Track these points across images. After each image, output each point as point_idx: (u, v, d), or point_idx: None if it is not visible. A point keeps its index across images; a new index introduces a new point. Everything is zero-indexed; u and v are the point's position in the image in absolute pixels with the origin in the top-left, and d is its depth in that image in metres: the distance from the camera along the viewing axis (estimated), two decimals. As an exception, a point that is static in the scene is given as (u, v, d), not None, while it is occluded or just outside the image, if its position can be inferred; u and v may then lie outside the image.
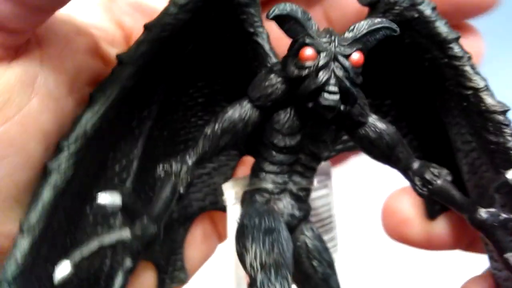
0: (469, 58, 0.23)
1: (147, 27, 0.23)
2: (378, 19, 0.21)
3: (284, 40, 0.22)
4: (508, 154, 0.22)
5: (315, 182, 0.26)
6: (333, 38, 0.21)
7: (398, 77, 0.27)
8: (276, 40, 0.25)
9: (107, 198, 0.19)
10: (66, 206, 0.22)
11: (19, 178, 0.21)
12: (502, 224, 0.21)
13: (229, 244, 0.26)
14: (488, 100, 0.23)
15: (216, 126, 0.23)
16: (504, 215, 0.21)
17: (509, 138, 0.22)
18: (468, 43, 0.24)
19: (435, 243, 0.30)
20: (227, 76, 0.28)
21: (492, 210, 0.22)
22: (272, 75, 0.23)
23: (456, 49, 0.23)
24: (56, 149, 0.21)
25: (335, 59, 0.20)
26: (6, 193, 0.21)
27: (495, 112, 0.23)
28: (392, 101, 0.29)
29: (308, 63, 0.20)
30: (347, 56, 0.21)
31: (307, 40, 0.21)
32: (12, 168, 0.20)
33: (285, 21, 0.21)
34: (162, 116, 0.27)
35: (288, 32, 0.21)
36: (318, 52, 0.20)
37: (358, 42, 0.21)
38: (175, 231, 0.30)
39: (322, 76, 0.20)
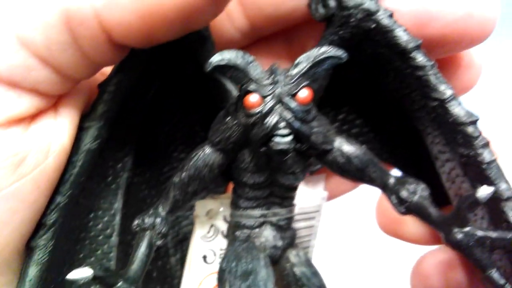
0: (433, 66, 0.22)
1: (101, 87, 0.23)
2: (322, 49, 0.20)
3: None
4: (480, 167, 0.21)
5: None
6: (277, 78, 0.20)
7: (369, 88, 0.26)
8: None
9: (76, 274, 0.19)
10: (52, 278, 0.23)
11: (25, 231, 0.22)
12: (478, 242, 0.20)
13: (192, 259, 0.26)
14: (455, 111, 0.21)
15: (183, 175, 0.23)
16: (479, 234, 0.20)
17: (479, 150, 0.21)
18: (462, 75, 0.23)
19: (429, 239, 0.30)
20: (200, 107, 0.28)
21: (467, 229, 0.21)
22: (228, 118, 0.22)
23: (418, 58, 0.22)
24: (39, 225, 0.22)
25: (281, 101, 0.20)
26: (13, 245, 0.22)
27: (463, 123, 0.21)
28: (365, 113, 0.28)
29: (254, 110, 0.20)
30: (293, 95, 0.20)
31: (250, 87, 0.20)
32: (21, 222, 0.21)
33: (225, 70, 0.20)
34: (140, 160, 0.27)
35: (231, 79, 0.20)
36: (263, 97, 0.20)
37: (305, 77, 0.20)
38: (172, 267, 0.30)
39: (269, 121, 0.20)
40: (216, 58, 0.20)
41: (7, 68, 0.19)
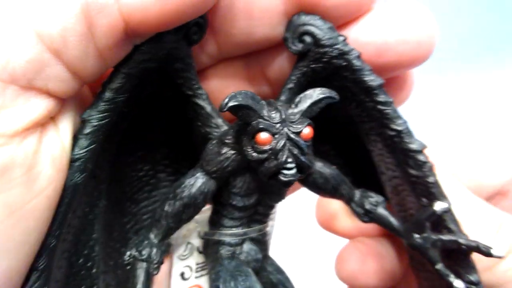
0: (391, 103, 0.26)
1: (84, 119, 0.22)
2: (318, 91, 0.23)
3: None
4: (428, 186, 0.26)
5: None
6: (283, 116, 0.22)
7: (331, 114, 0.29)
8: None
9: None
10: None
11: (35, 253, 0.20)
12: (432, 244, 0.26)
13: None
14: (409, 140, 0.26)
15: (177, 203, 0.24)
16: (433, 237, 0.26)
17: (428, 173, 0.26)
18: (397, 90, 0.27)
19: (357, 233, 0.36)
20: (168, 139, 0.29)
21: (425, 235, 0.26)
22: (226, 149, 0.23)
23: (381, 95, 0.26)
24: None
25: (289, 139, 0.22)
26: (24, 269, 0.20)
27: (415, 151, 0.26)
28: (327, 135, 0.31)
29: (266, 147, 0.21)
30: (299, 133, 0.22)
31: (261, 125, 0.21)
32: (35, 243, 0.20)
33: (238, 110, 0.21)
34: (115, 188, 0.27)
35: (241, 117, 0.22)
36: (273, 134, 0.22)
37: (305, 115, 0.22)
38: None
39: (281, 158, 0.21)
40: (232, 100, 0.21)
41: (23, 64, 0.18)
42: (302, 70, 0.26)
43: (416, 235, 0.26)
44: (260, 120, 0.22)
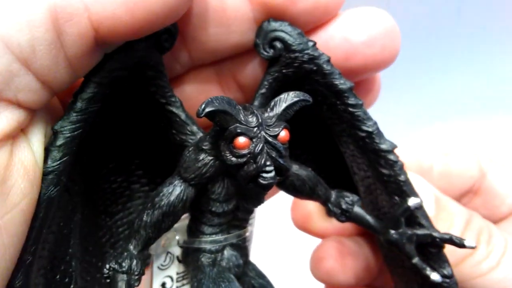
0: (362, 105, 0.27)
1: (55, 131, 0.22)
2: (291, 94, 0.23)
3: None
4: (399, 184, 0.27)
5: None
6: (260, 120, 0.22)
7: (302, 118, 0.30)
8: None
9: None
10: None
11: (10, 270, 0.20)
12: (409, 239, 0.27)
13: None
14: (380, 141, 0.27)
15: (156, 212, 0.23)
16: (409, 232, 0.27)
17: (399, 172, 0.27)
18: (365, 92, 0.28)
19: (331, 232, 0.37)
20: (145, 146, 0.29)
21: (400, 230, 0.27)
22: (203, 155, 0.23)
23: (351, 98, 0.26)
24: None
25: (267, 142, 0.22)
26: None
27: (386, 151, 0.27)
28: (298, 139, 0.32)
29: (244, 151, 0.22)
30: (276, 136, 0.22)
31: (239, 129, 0.22)
32: (10, 259, 0.20)
33: (215, 115, 0.21)
34: (90, 198, 0.27)
35: (219, 122, 0.22)
36: (251, 138, 0.22)
37: (281, 118, 0.23)
38: None
39: (260, 161, 0.22)
40: (209, 106, 0.21)
41: None
42: (273, 75, 0.26)
43: (392, 231, 0.27)
44: (238, 124, 0.22)
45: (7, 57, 0.18)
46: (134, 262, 0.23)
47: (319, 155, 0.32)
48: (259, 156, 0.22)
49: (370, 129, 0.26)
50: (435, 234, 0.26)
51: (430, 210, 0.29)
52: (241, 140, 0.22)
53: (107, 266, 0.23)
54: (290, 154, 0.31)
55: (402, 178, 0.26)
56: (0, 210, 0.18)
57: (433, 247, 0.27)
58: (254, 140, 0.22)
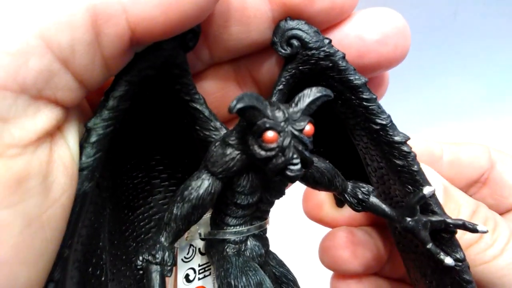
0: (375, 99, 0.28)
1: (89, 128, 0.22)
2: (314, 89, 0.24)
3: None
4: (413, 174, 0.28)
5: None
6: (286, 115, 0.23)
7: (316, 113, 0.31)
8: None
9: None
10: None
11: (52, 264, 0.20)
12: (423, 225, 0.28)
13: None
14: (394, 133, 0.28)
15: (186, 206, 0.24)
16: (423, 219, 0.28)
17: (411, 162, 0.28)
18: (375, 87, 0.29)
19: (339, 224, 0.39)
20: (166, 142, 0.30)
21: (416, 218, 0.28)
22: (230, 150, 0.24)
23: (365, 93, 0.28)
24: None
25: (294, 136, 0.23)
26: (42, 282, 0.20)
27: (400, 143, 0.28)
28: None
29: (273, 145, 0.23)
30: (301, 130, 0.23)
31: (267, 124, 0.22)
32: (52, 252, 0.20)
33: (245, 111, 0.22)
34: (117, 193, 0.28)
35: (248, 118, 0.23)
36: (278, 133, 0.23)
37: (305, 112, 0.24)
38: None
39: (288, 154, 0.22)
40: (240, 102, 0.22)
41: (33, 74, 0.18)
42: (290, 72, 0.28)
43: (409, 219, 0.28)
44: (266, 119, 0.23)
45: (48, 57, 0.19)
46: (167, 253, 0.24)
47: (331, 148, 0.33)
48: (287, 150, 0.23)
49: (384, 122, 0.28)
50: (448, 220, 0.27)
51: (438, 199, 0.30)
52: (270, 134, 0.22)
53: (141, 258, 0.24)
54: None
55: (415, 168, 0.28)
56: (43, 205, 0.19)
57: (446, 233, 0.28)
58: (281, 134, 0.23)
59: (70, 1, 0.19)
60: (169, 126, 0.29)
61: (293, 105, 0.24)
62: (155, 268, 0.24)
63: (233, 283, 0.25)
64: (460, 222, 0.27)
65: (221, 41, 0.27)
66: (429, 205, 0.28)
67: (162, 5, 0.20)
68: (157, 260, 0.24)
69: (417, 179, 0.28)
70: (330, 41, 0.27)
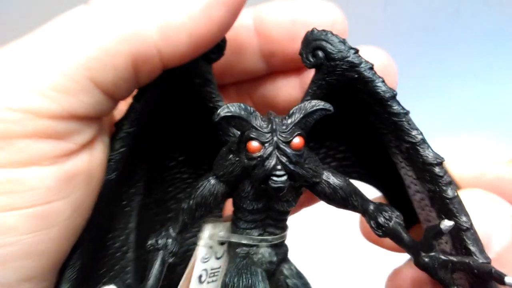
0: (406, 113, 0.26)
1: (117, 125, 0.26)
2: (312, 103, 0.24)
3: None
4: (445, 202, 0.25)
5: None
6: (274, 127, 0.23)
7: (355, 126, 0.30)
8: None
9: None
10: None
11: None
12: (442, 265, 0.24)
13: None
14: (425, 153, 0.25)
15: (191, 202, 0.26)
16: (442, 258, 0.24)
17: (444, 187, 0.25)
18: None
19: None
20: (202, 140, 0.32)
21: (432, 254, 0.24)
22: (231, 156, 0.25)
23: (394, 107, 0.26)
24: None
25: (278, 147, 0.23)
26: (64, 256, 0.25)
27: (431, 164, 0.25)
28: (349, 147, 0.32)
29: (255, 154, 0.23)
30: (288, 142, 0.23)
31: (252, 134, 0.23)
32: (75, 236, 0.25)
33: (230, 120, 0.24)
34: (151, 185, 0.31)
35: (235, 127, 0.24)
36: (263, 143, 0.23)
37: (297, 126, 0.24)
38: (177, 275, 0.33)
39: (268, 164, 0.23)
40: (224, 111, 0.23)
41: (84, 107, 0.23)
42: (317, 83, 0.27)
43: (423, 254, 0.25)
44: (252, 129, 0.23)
45: (95, 92, 0.23)
46: (170, 241, 0.26)
47: (375, 164, 0.32)
48: (267, 160, 0.23)
49: (413, 140, 0.25)
50: (473, 264, 0.23)
51: (504, 235, 0.25)
52: (253, 144, 0.23)
53: (149, 242, 0.26)
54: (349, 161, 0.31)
55: (448, 194, 0.25)
56: (87, 195, 0.24)
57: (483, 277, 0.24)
58: (266, 145, 0.23)
59: (114, 50, 0.22)
60: (198, 127, 0.31)
61: (287, 117, 0.24)
62: (157, 253, 0.26)
63: (226, 281, 0.26)
64: (487, 269, 0.23)
65: (217, 65, 0.29)
66: (463, 240, 0.24)
67: (192, 44, 0.23)
68: (159, 246, 0.26)
69: (449, 208, 0.24)
70: (357, 51, 0.26)
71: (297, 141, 0.23)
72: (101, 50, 0.22)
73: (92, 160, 0.24)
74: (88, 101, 0.22)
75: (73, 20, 0.23)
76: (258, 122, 0.24)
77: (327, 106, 0.24)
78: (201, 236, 0.29)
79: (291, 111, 0.24)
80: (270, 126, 0.24)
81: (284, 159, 0.23)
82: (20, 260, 0.22)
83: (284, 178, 0.23)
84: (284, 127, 0.24)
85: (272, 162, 0.23)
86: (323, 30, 0.26)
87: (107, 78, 0.22)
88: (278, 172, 0.23)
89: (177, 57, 0.24)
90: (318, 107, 0.24)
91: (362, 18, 0.34)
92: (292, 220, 0.30)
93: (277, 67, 0.32)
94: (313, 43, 0.27)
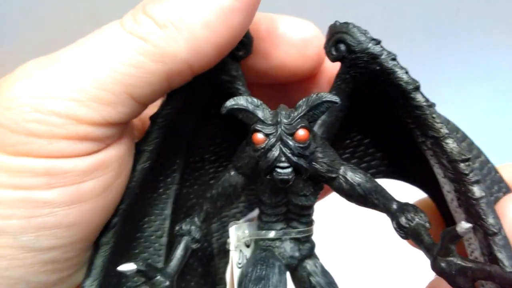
0: (430, 105, 0.24)
1: (152, 119, 0.28)
2: (319, 95, 0.24)
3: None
4: (470, 203, 0.22)
5: None
6: (279, 119, 0.24)
7: (387, 123, 0.29)
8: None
9: (124, 267, 0.24)
10: (112, 268, 0.27)
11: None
12: (460, 271, 0.21)
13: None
14: (449, 148, 0.23)
15: (214, 192, 0.27)
16: (460, 263, 0.21)
17: (469, 187, 0.22)
18: None
19: None
20: (237, 133, 0.32)
21: (449, 259, 0.22)
22: (247, 148, 0.26)
23: (417, 99, 0.24)
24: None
25: (281, 139, 0.23)
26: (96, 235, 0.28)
27: (455, 161, 0.23)
28: (383, 145, 0.31)
29: (260, 146, 0.24)
30: (292, 134, 0.23)
31: (257, 127, 0.24)
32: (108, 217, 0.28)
33: (238, 112, 0.24)
34: (189, 175, 0.33)
35: (243, 120, 0.24)
36: (267, 135, 0.23)
37: (303, 118, 0.24)
38: (216, 265, 0.35)
39: (270, 156, 0.23)
40: (230, 103, 0.24)
41: (120, 116, 0.25)
42: (341, 77, 0.27)
43: (440, 258, 0.22)
44: (257, 122, 0.24)
45: (131, 103, 0.25)
46: (193, 227, 0.27)
47: (403, 157, 0.30)
48: (269, 152, 0.23)
49: (436, 135, 0.24)
50: (496, 273, 0.21)
51: None
52: (258, 136, 0.24)
53: (176, 227, 0.28)
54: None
55: (473, 194, 0.22)
56: (115, 177, 0.26)
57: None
58: (270, 136, 0.23)
59: (149, 67, 0.25)
60: (229, 121, 0.31)
61: (293, 110, 0.24)
62: (181, 238, 0.27)
63: (243, 270, 0.27)
64: (509, 279, 0.20)
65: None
66: (489, 246, 0.22)
67: (216, 52, 0.25)
68: (183, 231, 0.27)
69: (476, 210, 0.22)
70: (378, 42, 0.25)
71: (302, 133, 0.23)
72: (138, 70, 0.24)
73: (121, 148, 0.27)
74: (124, 111, 0.25)
75: (112, 39, 0.25)
76: (264, 114, 0.24)
77: (334, 98, 0.24)
78: (229, 241, 0.30)
79: (298, 104, 0.24)
80: (274, 118, 0.24)
81: (287, 151, 0.23)
82: (52, 229, 0.25)
83: (289, 170, 0.23)
84: (289, 119, 0.24)
85: (275, 153, 0.23)
86: (345, 22, 0.26)
87: (143, 93, 0.25)
88: (282, 164, 0.23)
89: (205, 66, 0.25)
90: (324, 99, 0.24)
91: (361, 18, 0.34)
92: (323, 217, 0.29)
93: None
94: (335, 36, 0.26)
